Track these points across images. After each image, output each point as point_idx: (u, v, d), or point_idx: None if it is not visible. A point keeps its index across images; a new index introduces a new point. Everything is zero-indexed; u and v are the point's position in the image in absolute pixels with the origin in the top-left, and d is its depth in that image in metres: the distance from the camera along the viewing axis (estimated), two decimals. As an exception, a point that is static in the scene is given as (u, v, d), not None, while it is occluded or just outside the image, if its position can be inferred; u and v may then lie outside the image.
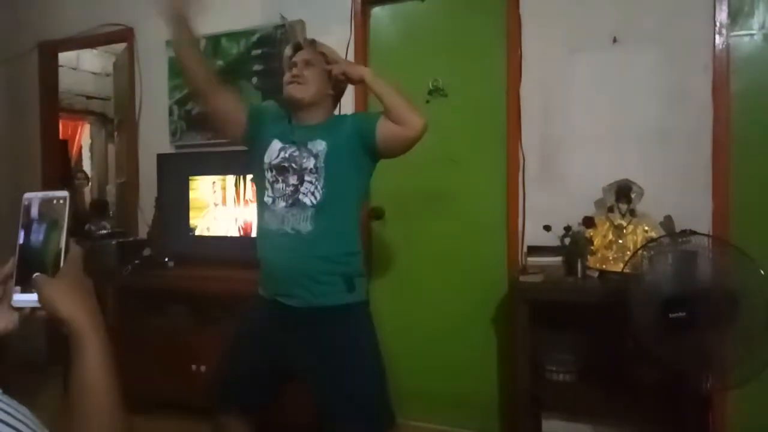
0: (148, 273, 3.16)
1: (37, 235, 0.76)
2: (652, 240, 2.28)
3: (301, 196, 1.82)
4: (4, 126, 4.17)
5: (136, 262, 3.19)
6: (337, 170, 1.83)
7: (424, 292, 3.04)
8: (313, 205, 1.80)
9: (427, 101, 3.00)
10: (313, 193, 1.82)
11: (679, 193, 2.52)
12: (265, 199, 1.88)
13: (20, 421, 0.52)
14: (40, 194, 0.78)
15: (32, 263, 0.75)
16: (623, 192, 2.50)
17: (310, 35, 3.21)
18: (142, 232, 3.64)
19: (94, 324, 0.72)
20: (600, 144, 2.67)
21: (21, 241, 0.76)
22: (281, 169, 1.86)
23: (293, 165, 1.84)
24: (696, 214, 2.44)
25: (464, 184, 2.95)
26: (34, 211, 0.77)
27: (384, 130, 1.82)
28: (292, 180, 1.84)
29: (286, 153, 1.87)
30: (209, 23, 3.41)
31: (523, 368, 2.40)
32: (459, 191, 2.96)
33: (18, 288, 0.74)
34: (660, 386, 2.27)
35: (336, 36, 3.12)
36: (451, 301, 2.98)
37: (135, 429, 0.72)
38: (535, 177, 2.79)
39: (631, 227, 2.48)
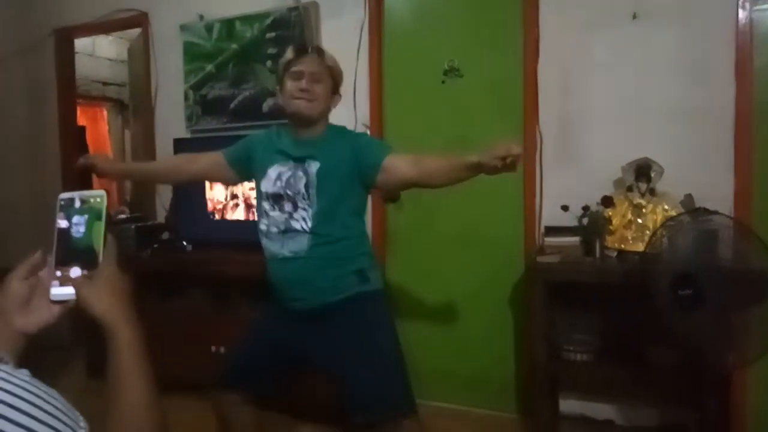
0: (166, 257, 3.20)
1: (77, 233, 0.78)
2: (672, 218, 2.25)
3: (293, 223, 1.83)
4: (23, 113, 4.22)
5: (155, 246, 3.23)
6: (328, 191, 1.82)
7: (441, 274, 3.04)
8: (305, 231, 1.81)
9: (443, 82, 2.97)
10: (304, 219, 1.82)
11: (700, 171, 2.48)
12: (261, 226, 1.91)
13: (51, 404, 0.53)
14: (77, 193, 0.79)
15: (72, 257, 0.77)
16: (643, 171, 2.46)
17: (324, 17, 3.20)
18: (160, 216, 3.67)
19: (127, 322, 0.74)
20: (619, 122, 2.63)
21: (59, 237, 0.78)
22: (277, 198, 1.86)
23: (288, 191, 1.84)
24: (717, 193, 2.40)
25: (480, 165, 2.93)
26: (72, 206, 0.79)
27: (397, 165, 1.79)
28: (287, 207, 1.84)
29: (282, 180, 1.86)
30: (223, 6, 3.42)
31: (540, 348, 2.40)
32: (475, 172, 2.94)
33: (56, 282, 0.76)
34: (678, 366, 2.26)
35: (350, 18, 3.10)
36: (467, 282, 2.97)
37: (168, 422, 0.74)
38: (552, 156, 2.76)
39: (650, 206, 2.44)
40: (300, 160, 1.85)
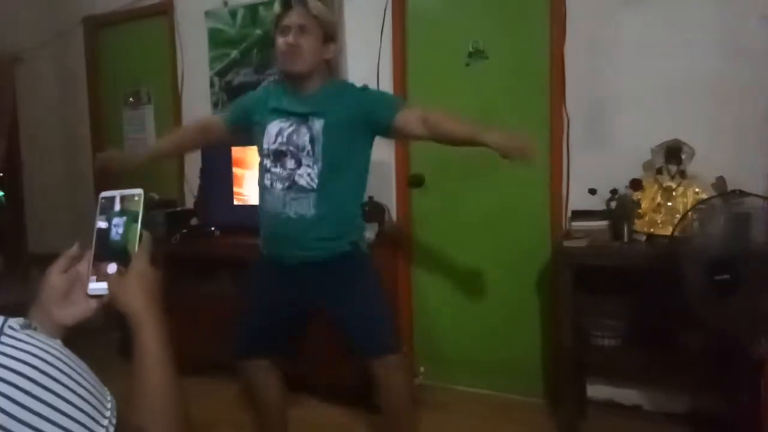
0: (195, 241, 3.25)
1: (116, 234, 0.82)
2: (703, 201, 2.20)
3: (297, 178, 1.83)
4: (55, 101, 4.31)
5: (184, 231, 3.29)
6: (334, 149, 1.82)
7: (466, 259, 3.03)
8: (312, 189, 1.82)
9: (467, 64, 2.93)
10: (310, 176, 1.82)
11: (733, 153, 2.41)
12: (265, 181, 1.91)
13: (81, 375, 0.55)
14: (117, 192, 0.84)
15: (108, 254, 0.81)
16: (673, 153, 2.40)
17: (346, 0, 3.18)
18: (189, 202, 3.73)
19: (154, 317, 0.76)
20: (648, 103, 2.57)
21: (98, 236, 0.82)
22: (279, 154, 1.86)
23: (291, 148, 1.84)
24: (750, 175, 2.33)
25: (506, 149, 2.89)
26: (112, 208, 0.83)
27: (406, 123, 1.80)
28: (290, 164, 1.85)
29: (283, 135, 1.86)
30: (247, -8, 3.42)
31: (567, 333, 2.38)
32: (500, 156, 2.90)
33: (94, 277, 0.80)
34: (708, 351, 2.22)
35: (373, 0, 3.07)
36: (493, 267, 2.96)
37: (191, 417, 0.76)
38: (579, 139, 2.71)
39: (681, 189, 2.39)
40: (302, 116, 1.83)
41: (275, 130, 1.87)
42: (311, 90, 1.87)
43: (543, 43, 2.77)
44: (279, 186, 1.86)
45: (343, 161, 1.85)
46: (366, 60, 3.12)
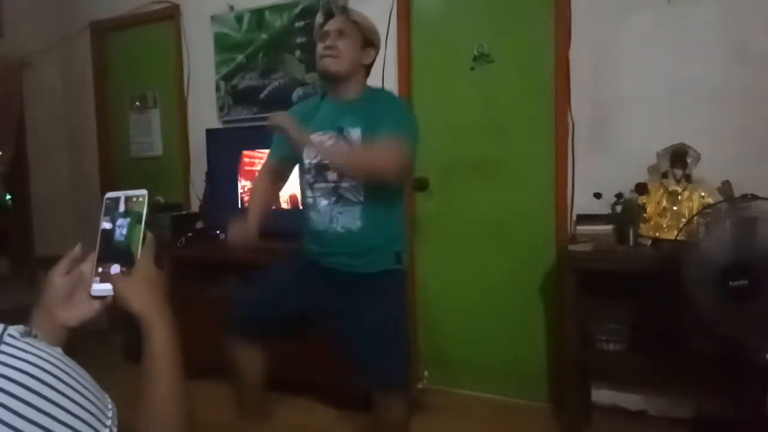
0: (200, 245, 3.26)
1: (120, 235, 0.82)
2: (709, 206, 2.19)
3: (342, 191, 1.83)
4: (61, 105, 4.34)
5: (189, 234, 3.30)
6: None
7: (471, 263, 3.03)
8: (359, 201, 1.83)
9: (472, 68, 2.94)
10: (355, 187, 1.83)
11: (738, 157, 2.40)
12: (308, 199, 1.91)
13: (80, 383, 0.55)
14: (122, 193, 0.84)
15: (112, 256, 0.81)
16: (678, 157, 2.40)
17: (351, 3, 3.18)
18: (195, 205, 3.74)
19: (161, 317, 0.76)
20: (654, 107, 2.57)
21: (102, 237, 0.82)
22: (321, 168, 1.86)
23: None
24: (756, 179, 2.31)
25: (511, 152, 2.90)
26: (116, 209, 0.83)
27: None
28: (331, 177, 1.84)
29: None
30: (253, -4, 3.43)
31: (572, 337, 2.38)
32: (505, 160, 2.91)
33: (97, 279, 0.80)
34: (713, 357, 2.21)
35: (378, 3, 3.08)
36: (498, 271, 2.96)
37: (194, 411, 0.76)
38: (585, 143, 2.71)
39: (686, 193, 2.38)
40: (339, 128, 1.84)
41: (315, 142, 1.85)
42: (351, 96, 1.89)
43: (548, 47, 2.77)
44: (324, 201, 1.86)
45: None
46: (371, 64, 3.12)
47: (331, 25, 1.87)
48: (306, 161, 1.90)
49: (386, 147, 1.71)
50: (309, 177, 1.89)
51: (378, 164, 1.72)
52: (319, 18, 1.93)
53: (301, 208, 1.99)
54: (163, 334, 0.75)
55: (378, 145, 1.73)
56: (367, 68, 1.95)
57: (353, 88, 1.90)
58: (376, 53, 1.94)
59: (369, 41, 1.91)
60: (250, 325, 1.97)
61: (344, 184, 1.83)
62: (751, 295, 1.90)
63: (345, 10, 1.92)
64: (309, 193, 1.90)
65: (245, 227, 1.88)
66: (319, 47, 1.87)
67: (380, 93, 1.98)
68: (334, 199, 1.85)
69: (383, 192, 1.85)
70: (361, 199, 1.83)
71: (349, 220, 1.83)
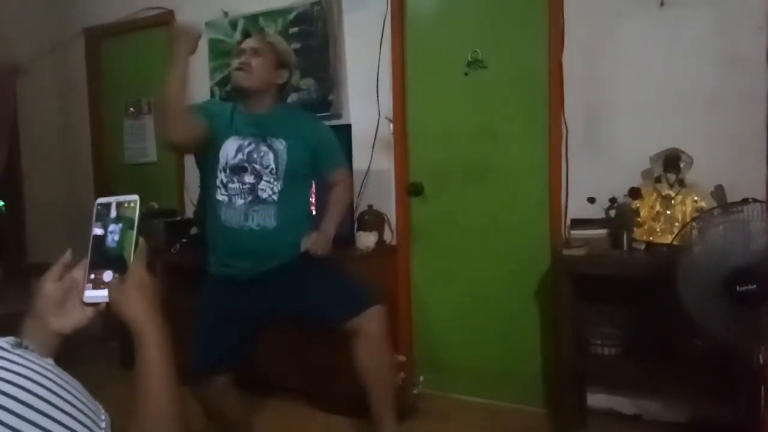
0: (195, 251, 3.24)
1: (112, 241, 0.81)
2: (705, 211, 2.19)
3: (260, 193, 1.94)
4: (55, 111, 4.33)
5: (184, 240, 3.28)
6: (296, 168, 1.98)
7: (466, 268, 3.03)
8: (274, 202, 1.94)
9: (466, 74, 2.95)
10: (272, 189, 1.95)
11: (731, 161, 2.42)
12: (219, 197, 1.96)
13: (72, 394, 0.54)
14: (113, 198, 0.83)
15: (104, 262, 0.80)
16: (671, 161, 2.41)
17: (346, 11, 3.21)
18: (189, 211, 3.73)
19: (154, 323, 0.76)
20: (647, 112, 2.58)
21: (94, 243, 0.81)
22: (237, 170, 1.95)
23: (254, 165, 1.94)
24: (749, 183, 2.34)
25: (505, 157, 2.91)
26: (108, 215, 0.82)
27: (331, 181, 2.14)
28: (249, 179, 1.94)
29: (243, 152, 1.96)
30: (247, 2, 3.44)
31: (567, 342, 2.38)
32: (500, 164, 2.92)
33: (90, 285, 0.79)
34: (708, 360, 2.21)
35: (372, 9, 3.10)
36: (493, 276, 2.96)
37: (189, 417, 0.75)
38: (578, 148, 2.72)
39: (679, 198, 2.40)
40: (260, 136, 1.96)
41: (234, 146, 1.96)
42: (261, 110, 2.01)
43: (541, 52, 2.79)
44: (240, 201, 1.94)
45: (301, 179, 2.05)
46: (365, 70, 3.14)
47: (248, 44, 2.00)
48: (222, 161, 1.95)
49: (344, 187, 2.18)
50: (223, 176, 1.96)
51: (347, 203, 2.22)
52: (236, 36, 2.04)
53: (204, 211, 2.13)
54: (155, 341, 0.75)
55: (338, 192, 2.15)
56: (280, 87, 2.06)
57: (264, 102, 2.02)
58: (290, 74, 2.07)
59: (283, 62, 2.04)
60: (220, 364, 1.99)
61: (261, 185, 1.94)
62: (760, 300, 1.89)
63: (261, 31, 2.08)
64: (221, 191, 1.96)
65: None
66: (234, 63, 2.00)
67: (295, 111, 2.20)
68: (250, 198, 1.94)
69: (296, 195, 2.02)
70: (276, 199, 1.95)
71: (264, 218, 1.94)
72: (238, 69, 1.97)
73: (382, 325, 2.02)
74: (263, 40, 2.01)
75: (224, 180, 1.96)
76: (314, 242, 2.00)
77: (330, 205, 2.14)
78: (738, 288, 1.90)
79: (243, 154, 1.95)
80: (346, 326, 1.98)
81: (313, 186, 2.32)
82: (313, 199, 2.34)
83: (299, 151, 1.99)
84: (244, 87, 1.97)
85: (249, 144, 1.96)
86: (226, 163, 1.95)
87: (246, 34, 2.09)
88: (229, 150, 1.96)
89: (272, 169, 1.95)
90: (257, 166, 1.94)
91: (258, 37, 2.02)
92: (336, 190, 2.16)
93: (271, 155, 1.95)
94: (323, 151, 2.09)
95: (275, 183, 1.95)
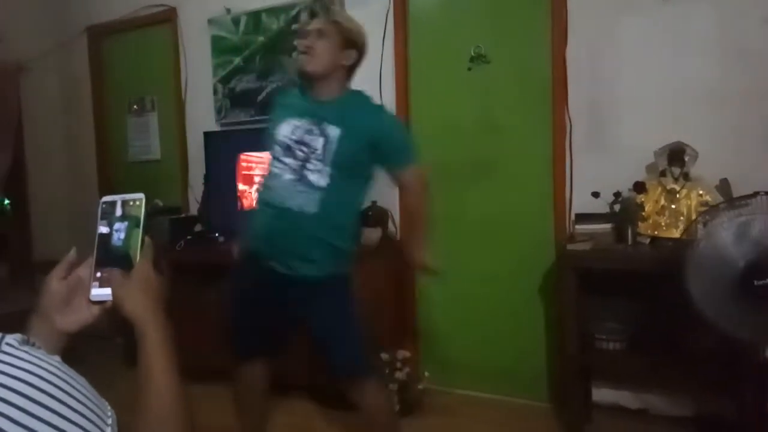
0: (199, 248, 3.26)
1: (117, 239, 0.81)
2: (711, 205, 2.18)
3: (308, 174, 1.86)
4: (59, 109, 4.34)
5: (188, 237, 3.29)
6: (345, 158, 1.86)
7: (470, 263, 3.03)
8: (320, 188, 1.85)
9: (469, 69, 2.94)
10: (320, 174, 1.86)
11: (736, 155, 2.41)
12: (274, 169, 1.93)
13: (79, 391, 0.54)
14: (118, 197, 0.82)
15: (110, 260, 0.80)
16: (676, 155, 2.40)
17: (348, 6, 3.19)
18: (193, 208, 3.74)
19: (157, 321, 0.76)
20: (651, 106, 2.57)
21: (100, 241, 0.81)
22: (288, 148, 1.90)
23: (302, 147, 1.88)
24: (754, 176, 2.32)
25: (509, 152, 2.90)
26: (113, 213, 0.82)
27: (400, 179, 2.00)
28: (297, 158, 1.89)
29: (296, 133, 1.90)
30: (250, -1, 3.44)
31: (572, 337, 2.38)
32: (503, 159, 2.91)
33: (96, 283, 0.79)
34: (713, 355, 2.20)
35: (375, 6, 3.09)
36: (497, 271, 2.96)
37: (193, 410, 0.76)
38: (582, 142, 2.71)
39: (684, 191, 2.39)
40: (317, 119, 1.88)
41: (290, 126, 1.91)
42: (328, 96, 1.92)
43: (545, 47, 2.77)
44: (289, 176, 1.88)
45: (353, 172, 1.91)
46: (368, 65, 3.10)
47: (312, 25, 1.91)
48: (277, 136, 1.93)
49: (414, 195, 2.02)
50: (278, 149, 1.92)
51: (422, 213, 2.06)
52: (304, 17, 1.98)
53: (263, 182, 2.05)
54: (158, 339, 0.75)
55: (409, 204, 2.08)
56: (349, 69, 1.95)
57: (331, 88, 1.92)
58: (359, 54, 1.95)
59: (350, 42, 1.91)
60: (254, 349, 2.04)
61: (309, 166, 1.86)
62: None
63: (327, 11, 1.99)
64: (277, 164, 1.93)
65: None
66: (298, 45, 1.94)
67: (362, 100, 1.99)
68: (298, 177, 1.87)
69: (345, 187, 1.90)
70: (323, 185, 1.86)
71: (306, 201, 1.85)
72: (302, 53, 1.89)
73: (381, 401, 2.02)
74: (328, 20, 1.91)
75: (279, 154, 1.92)
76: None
77: (407, 226, 2.07)
78: (756, 282, 1.87)
79: (296, 134, 1.90)
80: (341, 380, 2.01)
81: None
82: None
83: (353, 141, 1.86)
84: (307, 71, 1.89)
85: (304, 125, 1.89)
86: (281, 140, 1.92)
87: (312, 15, 2.03)
88: (285, 128, 1.92)
89: (319, 154, 1.85)
90: (305, 149, 1.87)
91: (323, 18, 1.92)
92: (406, 203, 2.08)
93: (321, 140, 1.86)
94: (385, 146, 1.91)
95: (324, 169, 1.85)
